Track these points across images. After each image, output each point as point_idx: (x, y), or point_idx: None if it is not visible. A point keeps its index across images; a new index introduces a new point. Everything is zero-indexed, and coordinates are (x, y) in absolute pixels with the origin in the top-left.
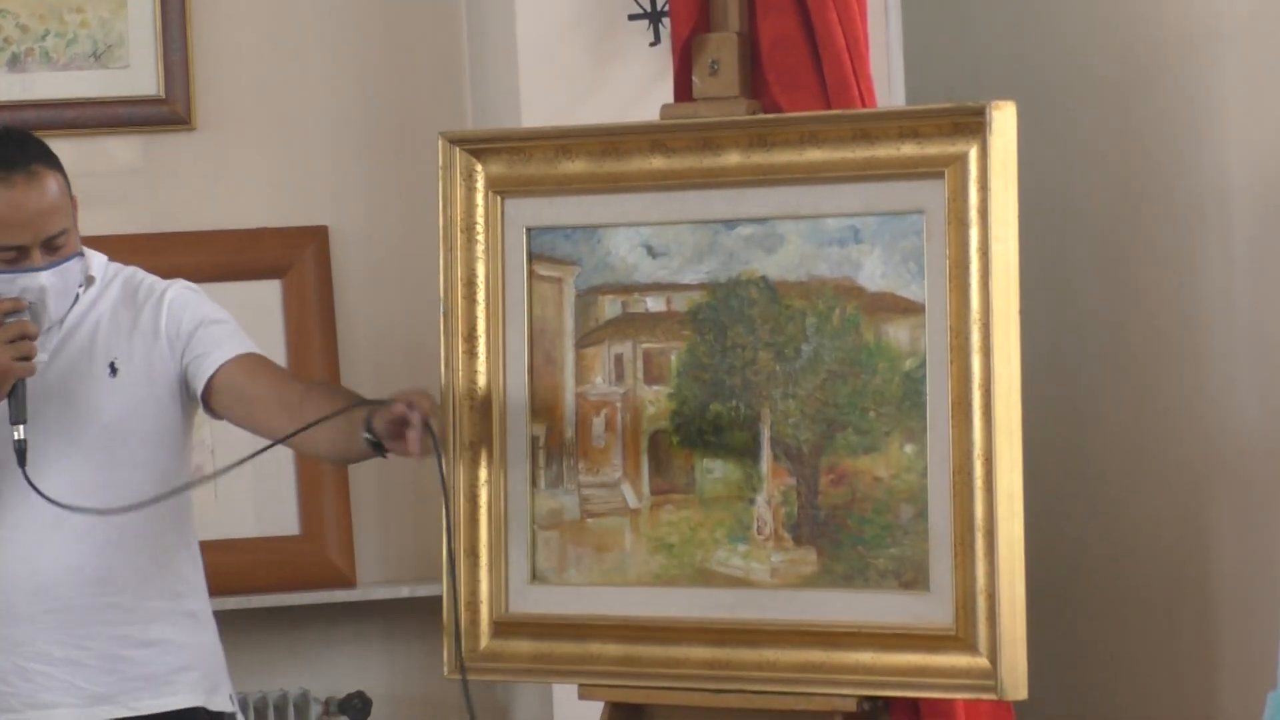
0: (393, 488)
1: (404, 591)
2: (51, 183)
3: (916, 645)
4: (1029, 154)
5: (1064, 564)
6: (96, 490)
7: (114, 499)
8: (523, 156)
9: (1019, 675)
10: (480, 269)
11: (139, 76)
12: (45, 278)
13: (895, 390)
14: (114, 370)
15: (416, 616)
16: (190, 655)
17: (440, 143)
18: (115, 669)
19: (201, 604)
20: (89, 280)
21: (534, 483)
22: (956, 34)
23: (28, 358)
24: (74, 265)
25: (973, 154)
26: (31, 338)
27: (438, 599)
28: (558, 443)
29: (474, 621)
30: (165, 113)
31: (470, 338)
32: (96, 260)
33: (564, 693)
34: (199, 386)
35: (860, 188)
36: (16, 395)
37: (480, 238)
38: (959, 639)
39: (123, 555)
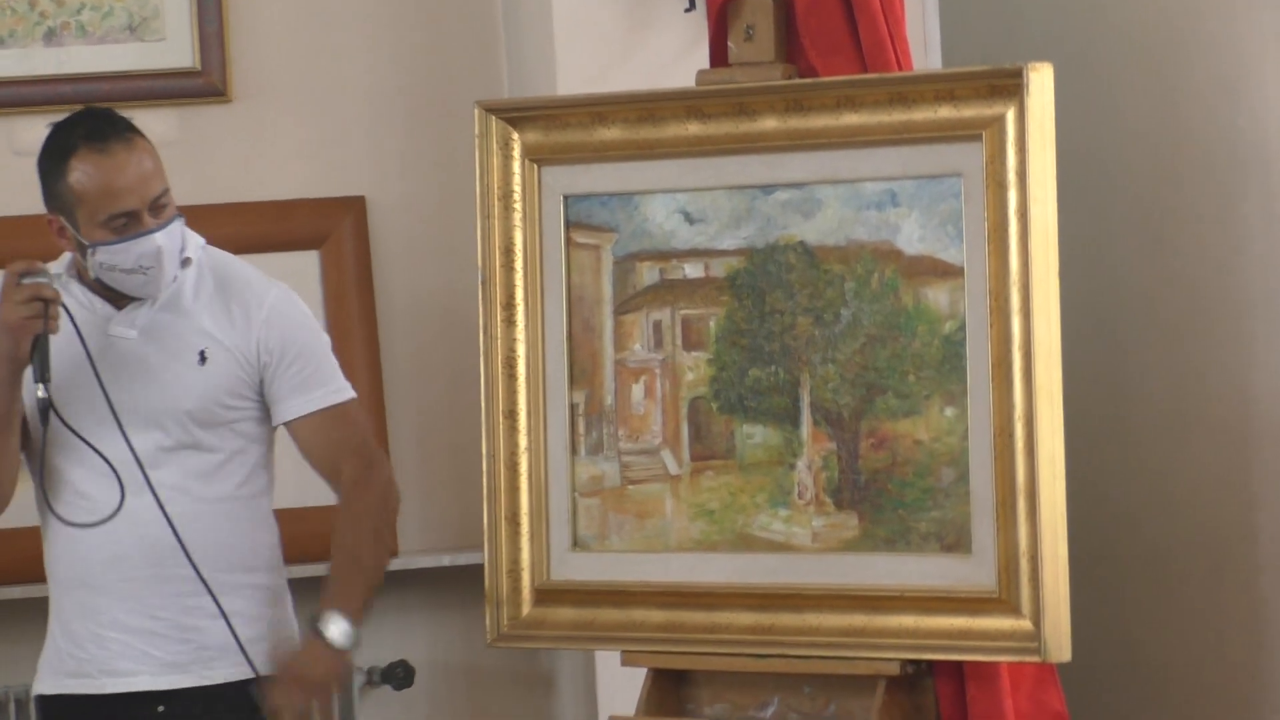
0: (433, 456)
1: (445, 560)
2: (146, 146)
3: (959, 608)
4: (1066, 117)
5: (1106, 526)
6: (177, 469)
7: (194, 480)
8: (559, 124)
9: (1062, 637)
10: (518, 237)
11: (175, 49)
12: (160, 239)
13: (935, 353)
14: (203, 359)
15: (458, 585)
16: (262, 627)
17: (476, 111)
18: (188, 639)
19: (276, 577)
20: (185, 262)
21: (574, 450)
22: None
23: (36, 317)
24: (178, 226)
25: (1010, 116)
26: (47, 300)
27: (479, 567)
28: (597, 410)
29: (516, 589)
30: (201, 85)
31: (509, 306)
32: (193, 241)
33: (607, 659)
34: (274, 420)
35: (897, 151)
36: (39, 353)
37: (518, 206)
38: (1002, 602)
39: (199, 529)
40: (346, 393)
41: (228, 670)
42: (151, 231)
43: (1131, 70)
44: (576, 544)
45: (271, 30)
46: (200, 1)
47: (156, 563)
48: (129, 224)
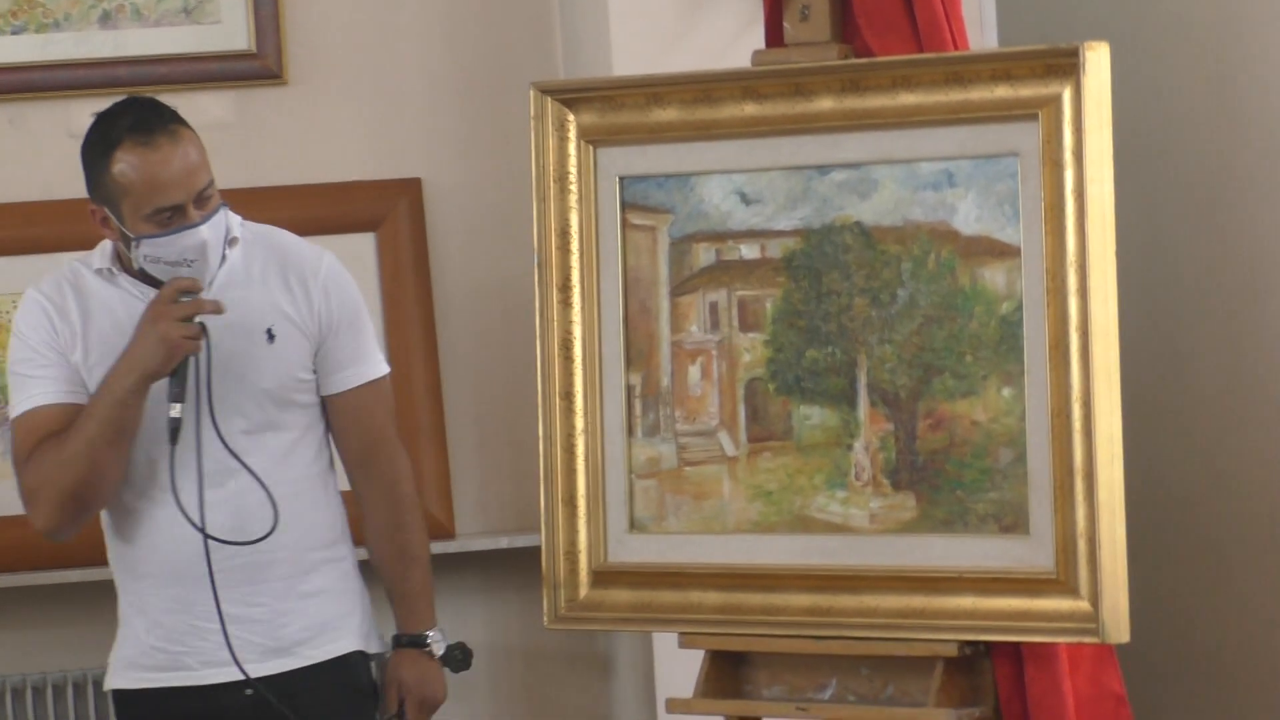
0: (490, 439)
1: (503, 542)
2: (190, 138)
3: (1017, 589)
4: (1121, 96)
5: (1162, 507)
6: (260, 453)
7: (268, 460)
8: (614, 105)
9: (1121, 618)
10: (574, 219)
11: (230, 31)
12: (205, 232)
13: (992, 334)
14: (271, 336)
15: (516, 567)
16: (349, 601)
17: (532, 93)
18: (286, 621)
19: (350, 551)
20: (232, 241)
21: (631, 432)
22: None
23: (196, 337)
24: (222, 216)
25: (1067, 95)
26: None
27: (536, 549)
28: (654, 391)
29: (573, 571)
30: (257, 67)
31: (565, 288)
32: (234, 219)
33: (664, 641)
34: (322, 391)
35: (954, 131)
36: (180, 372)
37: (573, 188)
38: (1060, 583)
39: (287, 512)
40: (385, 366)
41: (329, 647)
42: (197, 225)
43: (1187, 50)
44: (633, 526)
45: (327, 12)
46: None
47: (250, 549)
48: (174, 217)
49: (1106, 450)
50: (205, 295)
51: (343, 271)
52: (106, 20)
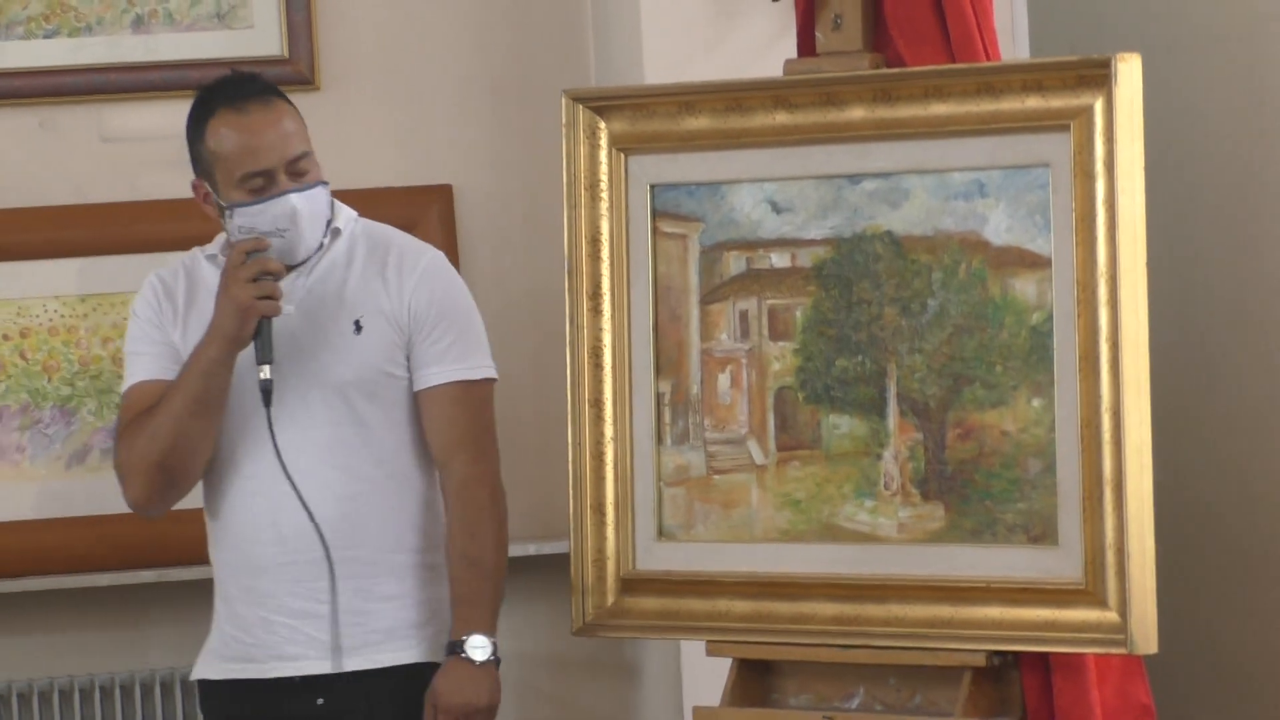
0: (517, 446)
1: (531, 549)
2: (286, 109)
3: (1045, 600)
4: (1152, 106)
5: (1192, 517)
6: (324, 446)
7: (341, 455)
8: (646, 113)
9: (1149, 629)
10: (604, 226)
11: (262, 37)
12: (296, 200)
13: (1022, 344)
14: (359, 328)
15: (544, 574)
16: (428, 610)
17: (563, 100)
18: (355, 622)
19: (438, 557)
20: (335, 232)
21: (660, 439)
22: None
23: (271, 296)
24: (321, 193)
25: (1098, 106)
26: (274, 276)
27: (564, 556)
28: (683, 399)
29: (601, 578)
30: (289, 73)
31: (595, 295)
32: (344, 213)
33: (692, 649)
34: (414, 388)
35: (985, 141)
36: (262, 334)
37: (604, 195)
38: (1088, 593)
39: (365, 509)
40: (481, 372)
41: (394, 654)
42: (287, 193)
43: (1218, 61)
44: (662, 534)
45: (359, 18)
46: None
47: (322, 545)
48: (265, 185)
49: (1136, 461)
50: (305, 281)
51: (445, 269)
52: (139, 24)
